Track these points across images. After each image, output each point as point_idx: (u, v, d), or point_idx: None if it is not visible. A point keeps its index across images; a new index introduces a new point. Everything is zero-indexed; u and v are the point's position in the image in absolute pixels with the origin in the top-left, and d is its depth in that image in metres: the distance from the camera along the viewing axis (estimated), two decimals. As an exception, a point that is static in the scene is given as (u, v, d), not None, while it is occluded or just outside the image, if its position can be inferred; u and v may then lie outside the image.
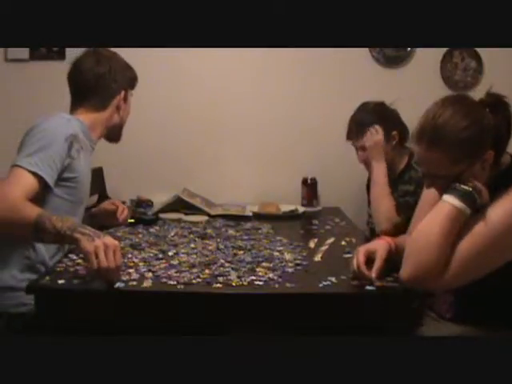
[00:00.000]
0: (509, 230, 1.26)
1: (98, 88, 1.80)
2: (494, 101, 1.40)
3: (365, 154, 2.20)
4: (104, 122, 1.85)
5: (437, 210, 1.35)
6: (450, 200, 1.33)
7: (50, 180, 1.59)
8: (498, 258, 1.30)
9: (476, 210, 1.33)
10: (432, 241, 1.31)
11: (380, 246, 1.49)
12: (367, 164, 2.23)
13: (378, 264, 1.44)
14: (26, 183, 1.53)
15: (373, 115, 2.20)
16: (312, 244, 1.86)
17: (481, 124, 1.35)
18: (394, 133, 2.18)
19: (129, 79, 1.89)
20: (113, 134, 1.92)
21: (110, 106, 1.84)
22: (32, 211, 1.46)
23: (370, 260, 1.46)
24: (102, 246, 1.38)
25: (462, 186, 1.34)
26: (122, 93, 1.86)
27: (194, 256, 1.67)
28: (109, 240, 1.40)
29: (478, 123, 1.35)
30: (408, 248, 1.36)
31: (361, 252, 1.47)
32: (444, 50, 2.76)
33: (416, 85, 2.68)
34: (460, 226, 1.32)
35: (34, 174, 1.55)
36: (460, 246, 1.31)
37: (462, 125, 1.34)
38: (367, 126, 2.18)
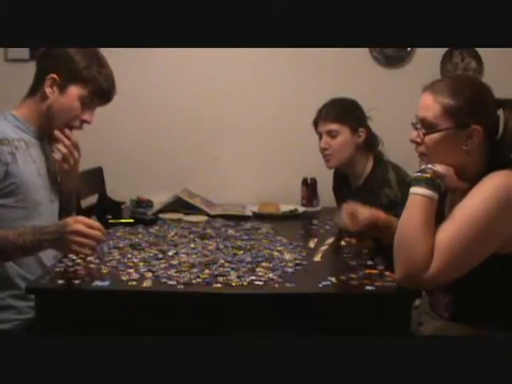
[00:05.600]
0: (486, 214, 1.30)
1: (36, 71, 1.71)
2: (509, 104, 1.43)
3: (331, 141, 2.14)
4: (37, 109, 1.69)
5: (409, 205, 1.38)
6: (418, 191, 1.37)
7: None
8: (481, 245, 1.32)
9: (443, 193, 1.41)
10: (414, 234, 1.33)
11: (369, 214, 1.67)
12: (327, 154, 2.18)
13: (356, 222, 1.67)
14: None
15: (341, 107, 2.17)
16: (312, 244, 1.86)
17: (482, 97, 1.40)
18: (361, 130, 2.14)
19: (69, 70, 1.66)
20: (48, 128, 1.72)
21: (38, 91, 1.69)
22: None
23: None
24: (76, 237, 1.42)
25: (423, 175, 1.38)
26: (50, 79, 1.66)
27: (194, 256, 1.67)
28: (74, 225, 1.44)
29: (480, 95, 1.40)
30: (394, 249, 1.38)
31: (350, 206, 1.72)
32: (444, 50, 2.76)
33: (416, 85, 2.67)
34: (434, 214, 1.37)
35: None
36: (441, 235, 1.33)
37: (466, 84, 1.42)
38: (334, 115, 2.15)
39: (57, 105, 1.68)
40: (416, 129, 1.44)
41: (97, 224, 1.48)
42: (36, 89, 1.70)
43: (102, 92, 1.71)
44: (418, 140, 1.42)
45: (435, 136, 1.39)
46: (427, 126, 1.41)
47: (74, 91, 1.68)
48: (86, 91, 1.68)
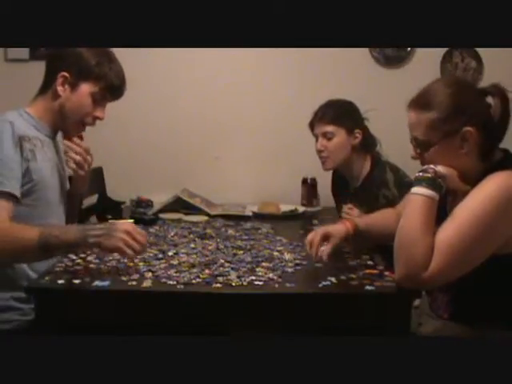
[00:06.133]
0: (487, 214, 1.30)
1: (46, 70, 1.72)
2: (495, 89, 1.42)
3: (327, 144, 2.14)
4: (50, 108, 1.70)
5: (410, 205, 1.38)
6: (419, 191, 1.37)
7: (18, 192, 1.54)
8: (482, 246, 1.32)
9: (444, 193, 1.39)
10: (415, 235, 1.33)
11: (336, 230, 1.62)
12: (323, 156, 2.18)
13: (328, 247, 1.57)
14: (2, 206, 1.49)
15: (336, 108, 2.16)
16: (312, 244, 1.86)
17: (462, 99, 1.39)
18: (357, 131, 2.14)
19: (80, 68, 1.67)
20: (61, 126, 1.75)
21: (50, 89, 1.70)
22: (31, 234, 1.44)
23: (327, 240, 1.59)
24: (126, 236, 1.45)
25: (424, 175, 1.38)
26: (61, 77, 1.66)
27: (194, 256, 1.67)
28: (124, 225, 1.49)
29: (459, 97, 1.39)
30: (395, 250, 1.37)
31: (318, 233, 1.60)
32: (444, 49, 2.76)
33: (416, 85, 2.67)
34: (435, 214, 1.36)
35: (2, 192, 1.50)
36: (441, 234, 1.33)
37: (442, 92, 1.40)
38: (330, 117, 2.14)
39: (69, 103, 1.69)
40: (414, 146, 1.45)
41: (142, 231, 1.53)
42: (46, 87, 1.71)
43: (113, 88, 1.73)
44: (418, 157, 1.44)
45: (430, 151, 1.40)
46: (420, 145, 1.42)
47: (86, 88, 1.69)
48: (97, 88, 1.69)
